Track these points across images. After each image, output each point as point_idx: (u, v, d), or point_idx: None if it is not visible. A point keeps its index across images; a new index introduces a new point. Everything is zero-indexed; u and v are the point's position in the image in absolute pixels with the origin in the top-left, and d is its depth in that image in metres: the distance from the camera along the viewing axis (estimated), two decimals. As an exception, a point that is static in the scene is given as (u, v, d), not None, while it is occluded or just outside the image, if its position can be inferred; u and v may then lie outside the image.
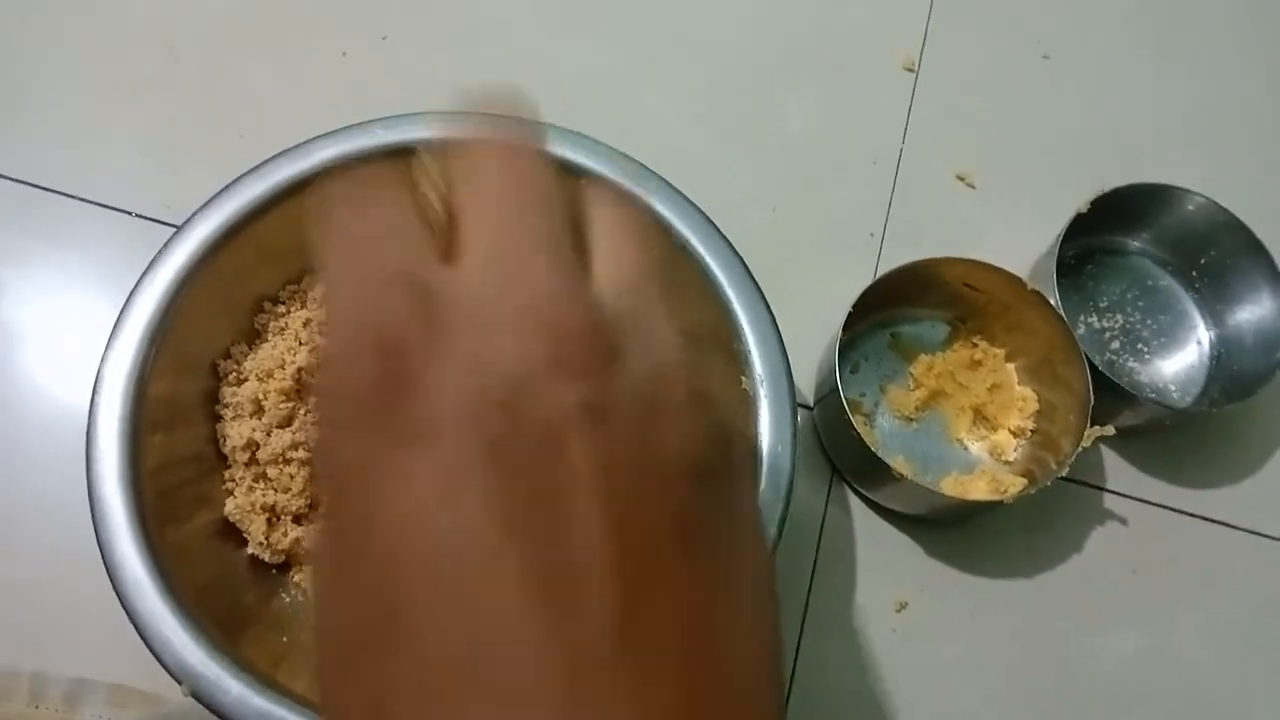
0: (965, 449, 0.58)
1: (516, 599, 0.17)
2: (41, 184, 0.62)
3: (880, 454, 0.52)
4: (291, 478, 0.49)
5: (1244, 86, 0.71)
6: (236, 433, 0.49)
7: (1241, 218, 0.58)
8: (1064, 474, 0.52)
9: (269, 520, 0.49)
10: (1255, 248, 0.58)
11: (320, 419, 0.20)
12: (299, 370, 0.50)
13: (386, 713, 0.18)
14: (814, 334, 0.58)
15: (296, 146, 0.50)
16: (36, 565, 0.54)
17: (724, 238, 0.49)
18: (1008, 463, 0.58)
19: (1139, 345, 0.61)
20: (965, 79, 0.69)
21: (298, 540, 0.49)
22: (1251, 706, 0.56)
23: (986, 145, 0.67)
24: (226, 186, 0.49)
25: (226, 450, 0.50)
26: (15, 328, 0.59)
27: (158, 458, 0.46)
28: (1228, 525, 0.58)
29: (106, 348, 0.46)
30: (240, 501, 0.49)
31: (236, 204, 0.49)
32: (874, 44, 0.70)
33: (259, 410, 0.50)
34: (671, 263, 0.24)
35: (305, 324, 0.52)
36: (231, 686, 0.41)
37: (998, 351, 0.59)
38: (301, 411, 0.50)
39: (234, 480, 0.49)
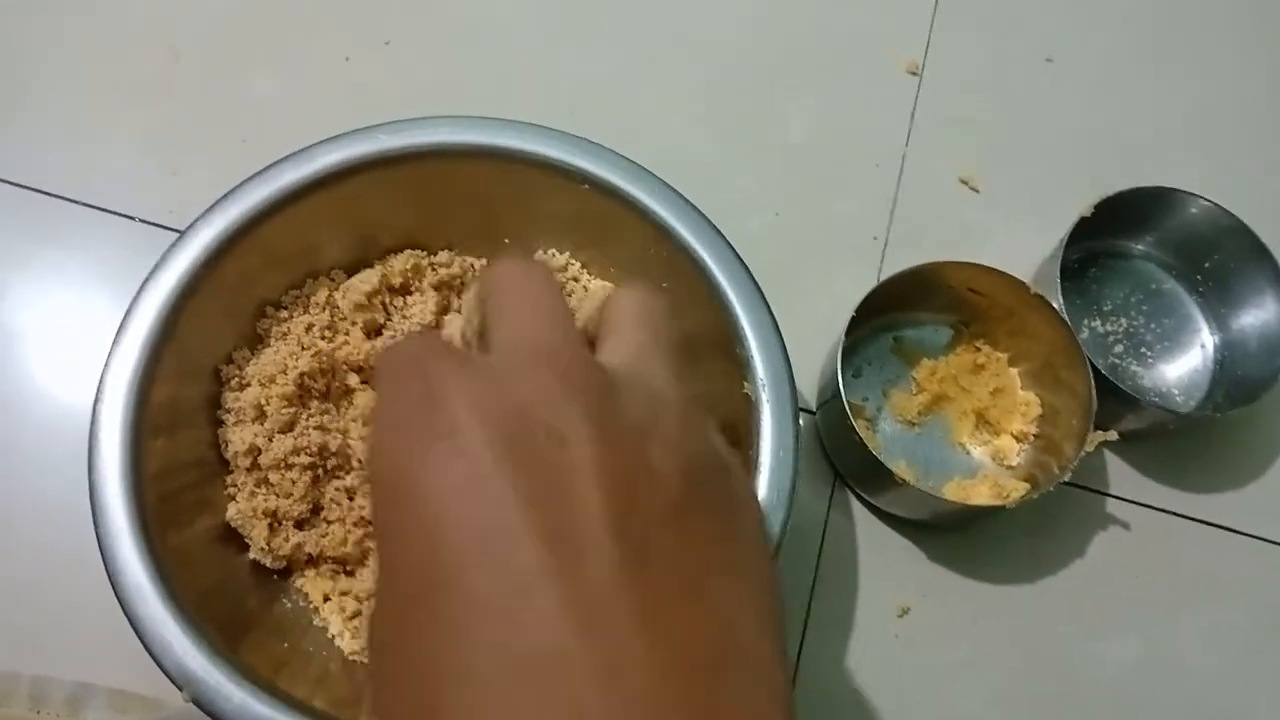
0: (968, 453, 0.58)
1: (533, 555, 0.21)
2: (43, 188, 0.62)
3: (882, 458, 0.52)
4: (293, 483, 0.49)
5: (1247, 89, 0.70)
6: (238, 438, 0.49)
7: (1246, 221, 0.58)
8: (1067, 479, 0.52)
9: (271, 525, 0.49)
10: (1259, 252, 0.58)
11: (374, 431, 0.24)
12: (301, 375, 0.50)
13: (438, 655, 0.21)
14: (816, 337, 0.58)
15: (299, 151, 0.50)
16: (37, 568, 0.54)
17: (725, 240, 0.49)
18: (1010, 467, 0.57)
19: (1143, 349, 0.61)
20: (968, 82, 0.69)
21: (299, 546, 0.49)
22: (1254, 712, 0.56)
23: (990, 148, 0.67)
24: (229, 191, 0.49)
25: (228, 455, 0.50)
26: (17, 331, 0.59)
27: (160, 462, 0.46)
28: (1231, 530, 0.58)
29: (110, 352, 0.46)
30: (242, 506, 0.49)
31: (239, 209, 0.49)
32: (876, 46, 0.70)
33: (261, 415, 0.50)
34: (684, 346, 0.27)
35: (307, 329, 0.52)
36: (233, 693, 0.41)
37: (1000, 356, 0.59)
38: (303, 417, 0.50)
39: (236, 485, 0.49)
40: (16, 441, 0.57)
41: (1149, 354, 0.61)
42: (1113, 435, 0.53)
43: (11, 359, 0.58)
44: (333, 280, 0.54)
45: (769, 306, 0.48)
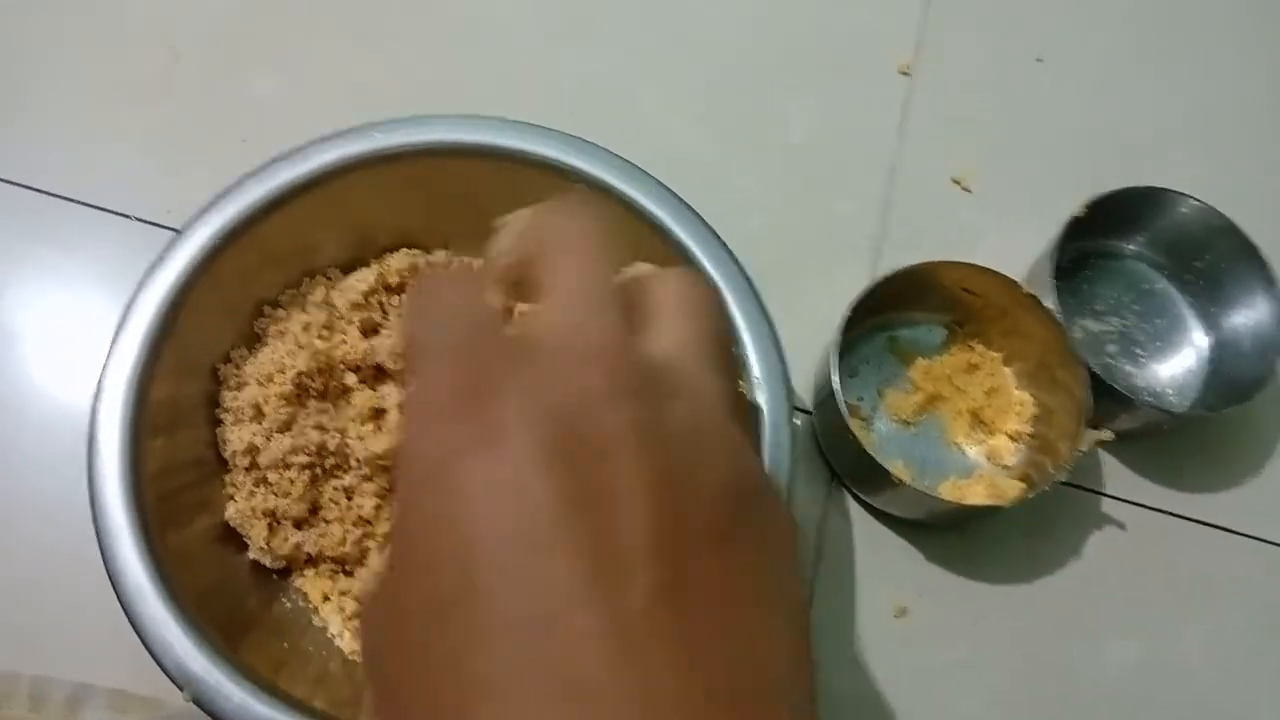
0: (963, 453, 0.58)
1: (573, 572, 0.20)
2: (41, 187, 0.62)
3: (878, 458, 0.52)
4: (292, 482, 0.49)
5: (1241, 89, 0.71)
6: (237, 437, 0.49)
7: (1237, 221, 0.59)
8: (1062, 478, 0.52)
9: (270, 525, 0.49)
10: (1250, 252, 0.58)
11: (409, 418, 0.24)
12: (299, 374, 0.50)
13: (461, 663, 0.21)
14: (811, 337, 0.58)
15: (296, 150, 0.50)
16: (36, 568, 0.54)
17: (720, 241, 0.49)
18: (1006, 467, 0.58)
19: (1135, 349, 0.62)
20: (962, 82, 0.69)
21: (298, 545, 0.49)
22: (1251, 711, 0.56)
23: (983, 148, 0.67)
24: (226, 190, 0.49)
25: (227, 455, 0.50)
26: (15, 330, 0.59)
27: (159, 462, 0.46)
28: (1226, 530, 0.59)
29: (108, 352, 0.46)
30: (241, 506, 0.49)
31: (237, 207, 0.49)
32: (872, 46, 0.70)
33: (259, 415, 0.50)
34: (729, 338, 0.27)
35: (305, 328, 0.52)
36: (233, 693, 0.41)
37: (995, 355, 0.60)
38: (301, 416, 0.50)
39: (235, 485, 0.50)
40: (14, 441, 0.57)
41: (1142, 354, 0.62)
42: (1107, 434, 0.54)
43: (9, 358, 0.58)
44: (329, 279, 0.54)
45: (764, 306, 0.48)
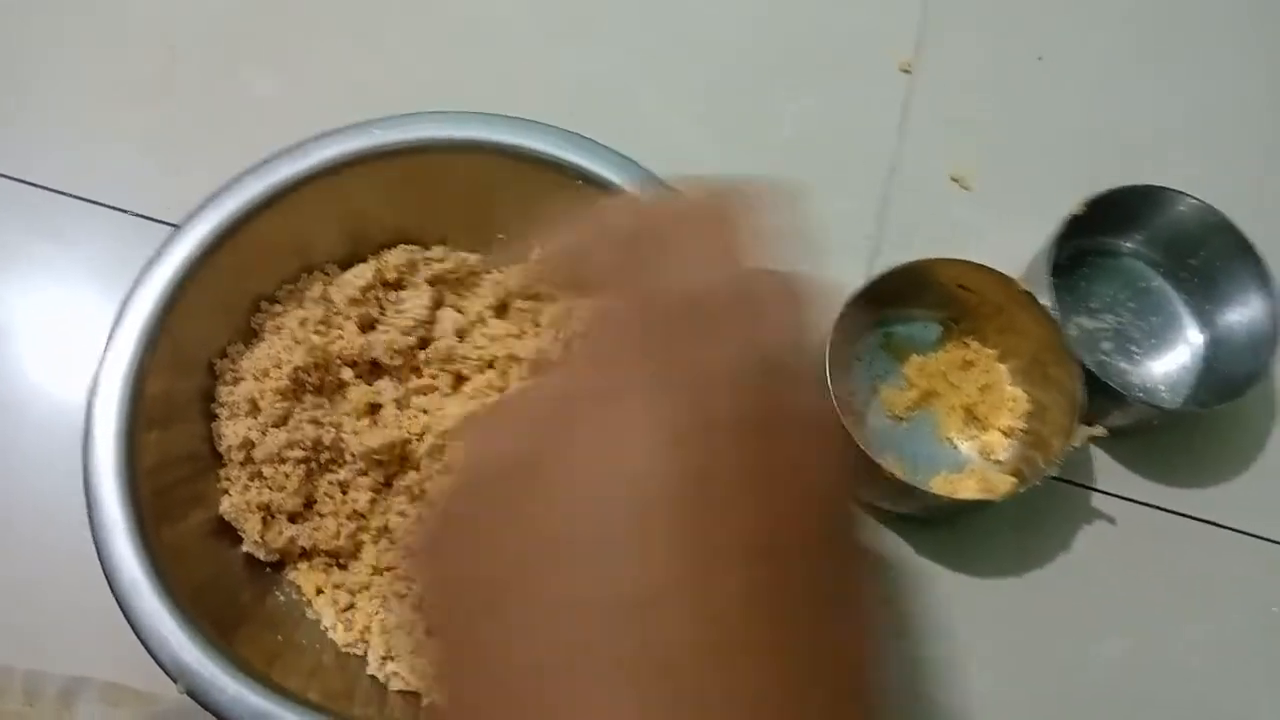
0: (955, 448, 0.59)
1: (668, 555, 0.20)
2: (39, 182, 0.62)
3: (871, 453, 0.52)
4: (287, 477, 0.49)
5: (1239, 89, 0.71)
6: (232, 432, 0.49)
7: (1234, 219, 0.59)
8: (1053, 473, 0.52)
9: (264, 519, 0.49)
10: (1245, 249, 0.58)
11: (549, 381, 0.25)
12: (295, 370, 0.50)
13: (540, 632, 0.20)
14: (808, 333, 0.58)
15: (293, 146, 0.50)
16: (30, 563, 0.54)
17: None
18: (998, 462, 0.58)
19: (1130, 346, 0.62)
20: (961, 80, 0.69)
21: (292, 539, 0.50)
22: (1240, 706, 0.56)
23: (982, 147, 0.67)
24: (224, 186, 0.49)
25: (222, 449, 0.50)
26: (12, 326, 0.59)
27: (154, 456, 0.46)
28: (1216, 525, 0.59)
29: (105, 347, 0.46)
30: (236, 500, 0.49)
31: (234, 204, 0.49)
32: (871, 45, 0.70)
33: (255, 409, 0.50)
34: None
35: (301, 323, 0.52)
36: (227, 685, 0.41)
37: (990, 352, 0.60)
38: (297, 411, 0.51)
39: (229, 479, 0.50)
40: (8, 436, 0.57)
41: (1136, 351, 0.62)
42: (1100, 431, 0.54)
43: (4, 353, 0.59)
44: (327, 275, 0.54)
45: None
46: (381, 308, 0.55)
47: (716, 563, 0.20)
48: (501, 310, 0.56)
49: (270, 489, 0.50)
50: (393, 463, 0.52)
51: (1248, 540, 0.59)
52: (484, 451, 0.24)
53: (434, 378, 0.54)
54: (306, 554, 0.51)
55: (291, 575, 0.51)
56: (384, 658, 0.49)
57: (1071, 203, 0.59)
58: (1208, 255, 0.61)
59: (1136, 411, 0.56)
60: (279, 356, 0.51)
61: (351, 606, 0.50)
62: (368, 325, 0.54)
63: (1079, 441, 0.52)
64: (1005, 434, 0.58)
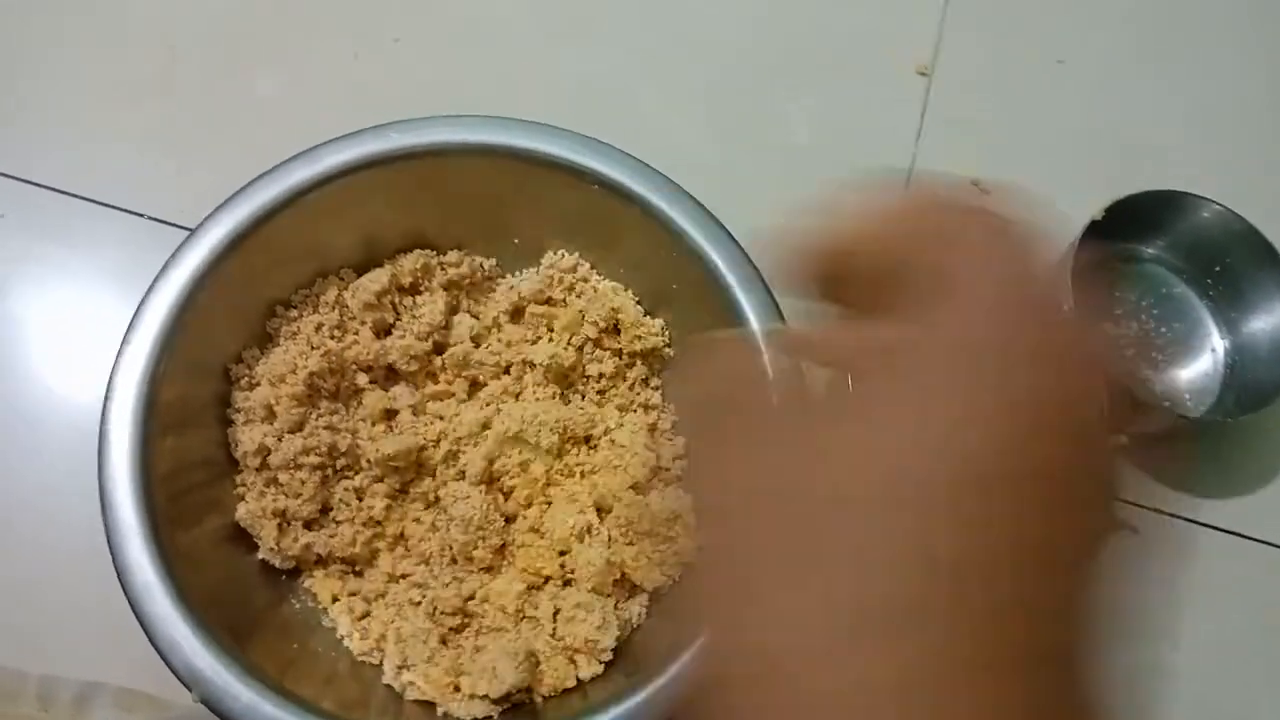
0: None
1: (924, 569, 0.20)
2: (51, 185, 0.62)
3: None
4: (302, 483, 0.49)
5: (1257, 91, 0.70)
6: (248, 437, 0.49)
7: (1257, 225, 0.58)
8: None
9: (280, 525, 0.49)
10: (1271, 257, 0.58)
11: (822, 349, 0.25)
12: (310, 375, 0.50)
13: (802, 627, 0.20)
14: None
15: (308, 150, 0.50)
16: (44, 567, 0.54)
17: (735, 242, 0.49)
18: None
19: (1153, 353, 0.61)
20: (979, 83, 0.69)
21: (308, 546, 0.49)
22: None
23: (1001, 151, 0.67)
24: (239, 190, 0.49)
25: (238, 455, 0.50)
26: (25, 328, 0.59)
27: (169, 462, 0.46)
28: (1241, 536, 0.58)
29: (119, 352, 0.46)
30: (251, 506, 0.49)
31: (249, 208, 0.49)
32: (883, 47, 0.70)
33: (270, 415, 0.50)
34: None
35: (317, 328, 0.52)
36: (241, 693, 0.41)
37: (1010, 359, 0.59)
38: (312, 417, 0.50)
39: (245, 485, 0.49)
40: (22, 439, 0.57)
41: (1160, 358, 0.61)
42: (1122, 439, 0.53)
43: (18, 356, 0.58)
44: (342, 280, 0.54)
45: (781, 310, 0.48)
46: (397, 313, 0.54)
47: (975, 574, 0.20)
48: (516, 315, 0.56)
49: (286, 495, 0.49)
50: (409, 469, 0.51)
51: (1274, 552, 0.58)
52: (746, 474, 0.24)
53: (450, 383, 0.54)
54: (322, 561, 0.50)
55: (307, 582, 0.51)
56: (400, 667, 0.48)
57: (1093, 207, 0.58)
58: (1232, 262, 0.60)
59: (1161, 420, 0.56)
60: (294, 362, 0.50)
61: (367, 614, 0.50)
62: (383, 330, 0.54)
63: (1103, 450, 0.52)
64: (1027, 442, 0.57)
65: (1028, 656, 0.21)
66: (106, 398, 0.45)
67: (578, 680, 0.48)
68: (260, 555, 0.49)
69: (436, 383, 0.54)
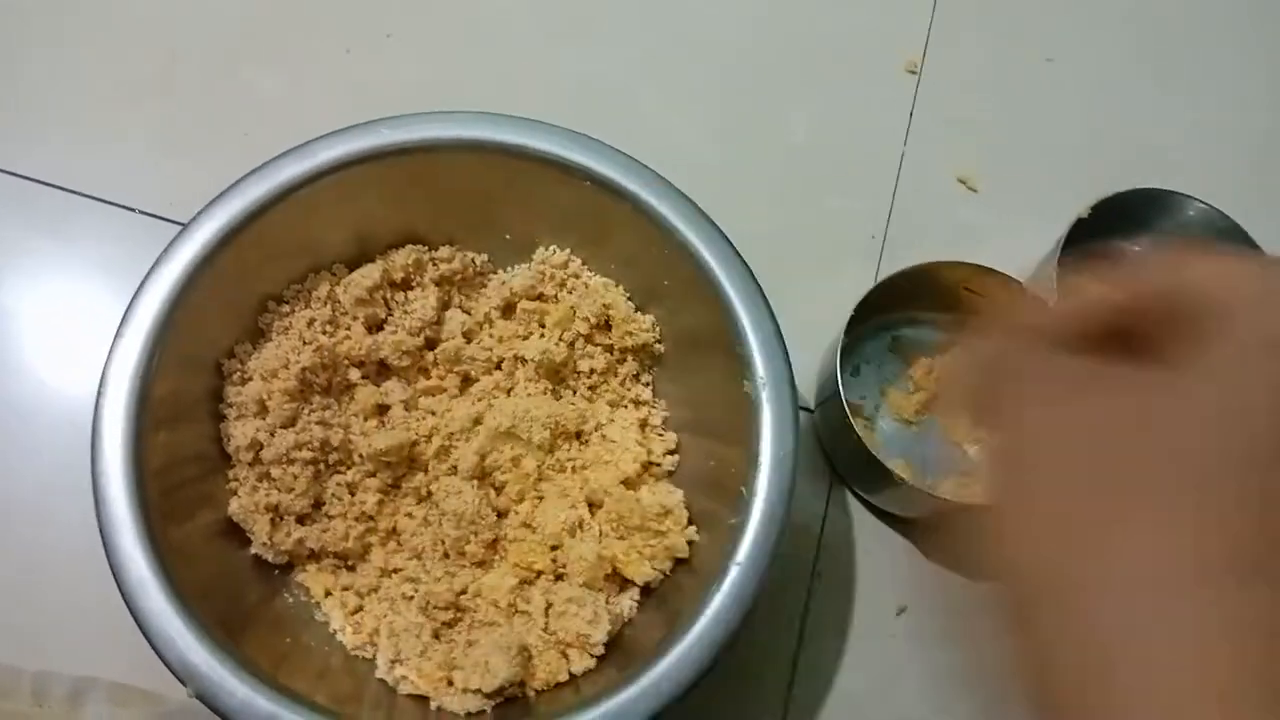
0: (965, 452, 0.59)
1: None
2: (44, 179, 0.62)
3: (880, 457, 0.52)
4: (295, 478, 0.49)
5: (1245, 90, 0.71)
6: (240, 432, 0.49)
7: (1242, 224, 0.59)
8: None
9: (272, 520, 0.49)
10: (1252, 253, 0.58)
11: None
12: (303, 370, 0.50)
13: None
14: (814, 336, 0.58)
15: (300, 146, 0.50)
16: (38, 562, 0.54)
17: (726, 238, 0.49)
18: (1007, 466, 0.58)
19: (1137, 351, 0.61)
20: (967, 82, 0.69)
21: (301, 541, 0.49)
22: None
23: (988, 148, 0.67)
24: (231, 186, 0.49)
25: (230, 450, 0.50)
26: (18, 322, 0.59)
27: (162, 457, 0.46)
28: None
29: (111, 346, 0.46)
30: (244, 501, 0.49)
31: (241, 203, 0.49)
32: (876, 46, 0.70)
33: (263, 410, 0.50)
34: None
35: (309, 324, 0.52)
36: (236, 688, 0.41)
37: (997, 355, 0.59)
38: (305, 412, 0.50)
39: (238, 480, 0.50)
40: (15, 435, 0.57)
41: (1144, 355, 0.61)
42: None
43: (10, 351, 0.58)
44: (334, 275, 0.54)
45: (769, 305, 0.48)
46: (389, 308, 0.54)
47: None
48: (508, 311, 0.56)
49: (278, 490, 0.49)
50: (401, 464, 0.52)
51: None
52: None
53: (442, 379, 0.54)
54: (315, 555, 0.51)
55: (300, 577, 0.51)
56: (392, 661, 0.48)
57: (1078, 205, 0.58)
58: (1216, 259, 0.60)
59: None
60: (287, 357, 0.50)
61: (360, 609, 0.50)
62: (375, 326, 0.54)
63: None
64: (1014, 438, 0.58)
65: None
66: (99, 392, 0.45)
67: (570, 674, 0.48)
68: (253, 550, 0.49)
69: (428, 378, 0.54)
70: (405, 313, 0.54)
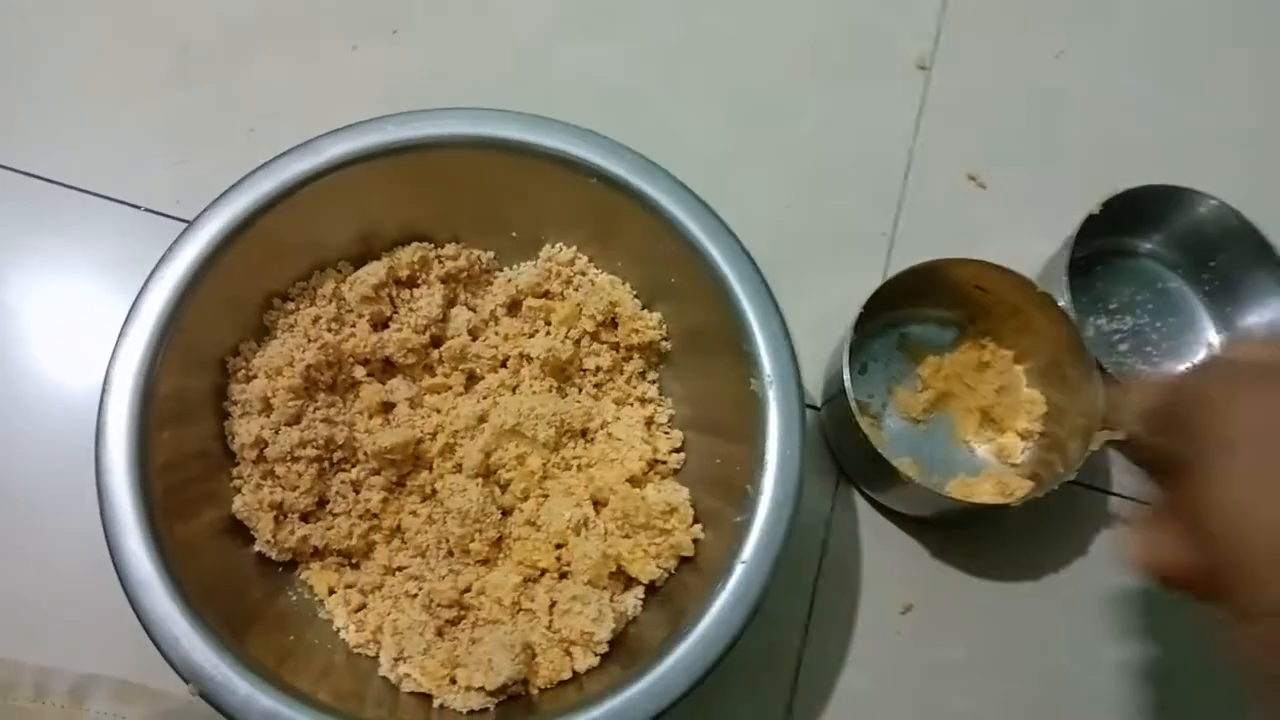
0: (972, 451, 0.58)
1: None
2: (52, 178, 0.62)
3: (887, 455, 0.52)
4: (299, 475, 0.49)
5: (1258, 88, 0.70)
6: (245, 430, 0.49)
7: (1253, 221, 0.58)
8: (1071, 477, 0.52)
9: (277, 518, 0.49)
10: (1266, 252, 0.58)
11: None
12: (308, 368, 0.50)
13: None
14: (821, 334, 0.58)
15: (306, 143, 0.50)
16: (42, 560, 0.54)
17: (733, 235, 0.49)
18: (1014, 465, 0.57)
19: (1147, 348, 0.61)
20: (977, 77, 0.69)
21: (305, 538, 0.49)
22: (1254, 714, 0.56)
23: (998, 145, 0.67)
24: (236, 183, 0.49)
25: (235, 447, 0.50)
26: (22, 320, 0.59)
27: (166, 454, 0.46)
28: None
29: (116, 344, 0.46)
30: (248, 499, 0.49)
31: (246, 200, 0.49)
32: (886, 42, 0.69)
33: (267, 408, 0.50)
34: None
35: (314, 321, 0.52)
36: (239, 687, 0.41)
37: (1006, 353, 0.59)
38: (310, 410, 0.50)
39: (242, 478, 0.49)
40: (20, 432, 0.57)
41: (1154, 353, 0.61)
42: (1118, 434, 0.53)
43: (15, 349, 0.58)
44: (339, 272, 0.54)
45: (776, 303, 0.48)
46: (394, 306, 0.54)
47: None
48: (513, 308, 0.56)
49: (283, 488, 0.49)
50: (405, 462, 0.51)
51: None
52: None
53: (447, 376, 0.54)
54: (319, 553, 0.51)
55: (303, 575, 0.51)
56: (396, 659, 0.48)
57: (1089, 202, 0.58)
58: (1227, 257, 0.60)
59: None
60: (291, 354, 0.50)
61: (364, 607, 0.50)
62: (380, 323, 0.54)
63: (1096, 445, 0.52)
64: (1022, 437, 0.58)
65: None
66: (104, 390, 0.45)
67: (573, 672, 0.48)
68: (257, 548, 0.49)
69: (433, 376, 0.54)
70: (410, 310, 0.54)
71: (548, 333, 0.55)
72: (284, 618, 0.49)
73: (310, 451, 0.49)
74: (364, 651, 0.49)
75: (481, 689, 0.46)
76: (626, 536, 0.50)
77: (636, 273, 0.55)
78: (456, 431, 0.52)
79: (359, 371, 0.53)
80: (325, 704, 0.43)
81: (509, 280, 0.56)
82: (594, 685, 0.47)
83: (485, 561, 0.51)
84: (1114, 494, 0.59)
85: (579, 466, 0.53)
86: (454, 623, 0.49)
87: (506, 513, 0.52)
